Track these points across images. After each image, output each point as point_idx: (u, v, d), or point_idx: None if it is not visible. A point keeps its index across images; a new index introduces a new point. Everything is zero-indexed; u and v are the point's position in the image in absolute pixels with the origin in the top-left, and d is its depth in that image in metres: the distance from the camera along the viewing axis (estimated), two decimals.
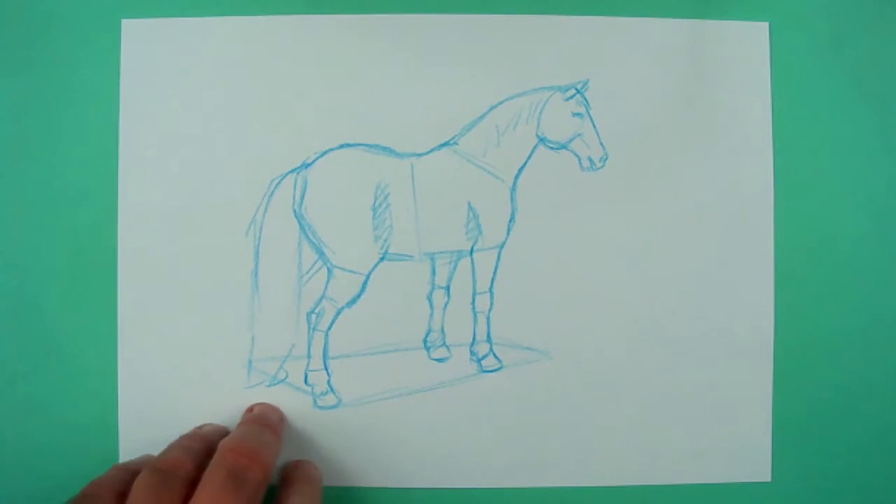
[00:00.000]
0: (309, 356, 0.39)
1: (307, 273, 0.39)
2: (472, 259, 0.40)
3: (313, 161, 0.39)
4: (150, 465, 0.34)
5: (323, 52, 0.39)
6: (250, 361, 0.39)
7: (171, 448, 0.35)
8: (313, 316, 0.39)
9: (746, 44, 0.40)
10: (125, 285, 0.39)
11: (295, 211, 0.39)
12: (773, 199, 0.40)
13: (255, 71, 0.39)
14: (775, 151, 0.40)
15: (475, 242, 0.40)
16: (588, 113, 0.40)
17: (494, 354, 0.40)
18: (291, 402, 0.39)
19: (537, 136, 0.40)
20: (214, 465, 0.33)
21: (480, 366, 0.40)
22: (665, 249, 0.40)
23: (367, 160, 0.39)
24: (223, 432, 0.38)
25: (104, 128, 0.39)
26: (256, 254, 0.39)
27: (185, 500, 0.32)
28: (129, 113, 0.39)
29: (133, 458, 0.39)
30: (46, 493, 0.39)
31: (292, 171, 0.39)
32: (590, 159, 0.40)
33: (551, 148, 0.40)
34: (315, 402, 0.40)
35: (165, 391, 0.39)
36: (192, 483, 0.33)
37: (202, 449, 0.35)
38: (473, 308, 0.40)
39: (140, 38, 0.39)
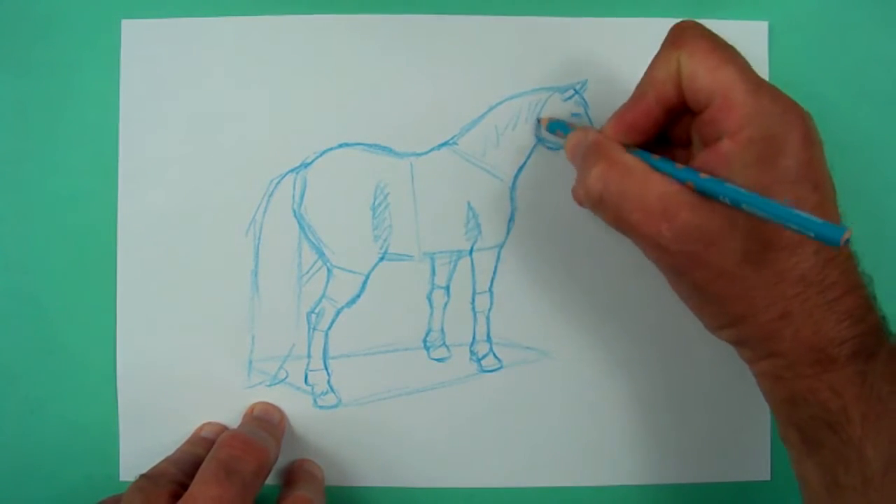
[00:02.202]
0: (309, 356, 0.39)
1: (307, 273, 0.39)
2: (471, 259, 0.40)
3: (313, 161, 0.39)
4: (140, 475, 0.34)
5: (323, 52, 0.39)
6: (250, 361, 0.39)
7: (160, 462, 0.36)
8: (313, 316, 0.39)
9: (745, 43, 0.39)
10: (125, 285, 0.39)
11: (295, 211, 0.39)
12: None
13: (255, 71, 0.39)
14: None
15: (475, 242, 0.40)
16: (587, 113, 0.40)
17: (494, 354, 0.40)
18: (291, 402, 0.39)
19: (536, 136, 0.40)
20: (208, 458, 0.34)
21: (480, 366, 0.40)
22: None
23: (367, 160, 0.39)
24: (223, 432, 0.38)
25: (104, 128, 0.39)
26: (256, 254, 0.39)
27: (176, 498, 0.32)
28: (129, 113, 0.39)
29: (133, 458, 0.39)
30: (47, 493, 0.39)
31: (292, 171, 0.39)
32: None
33: (550, 148, 0.40)
34: (315, 401, 0.40)
35: (165, 391, 0.39)
36: (183, 485, 0.33)
37: (195, 459, 0.36)
38: (473, 308, 0.40)
39: (140, 38, 0.39)
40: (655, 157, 0.31)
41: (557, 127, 0.37)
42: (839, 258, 0.30)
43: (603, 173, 0.30)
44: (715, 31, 0.39)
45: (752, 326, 0.31)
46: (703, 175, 0.29)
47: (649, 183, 0.29)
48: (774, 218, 0.26)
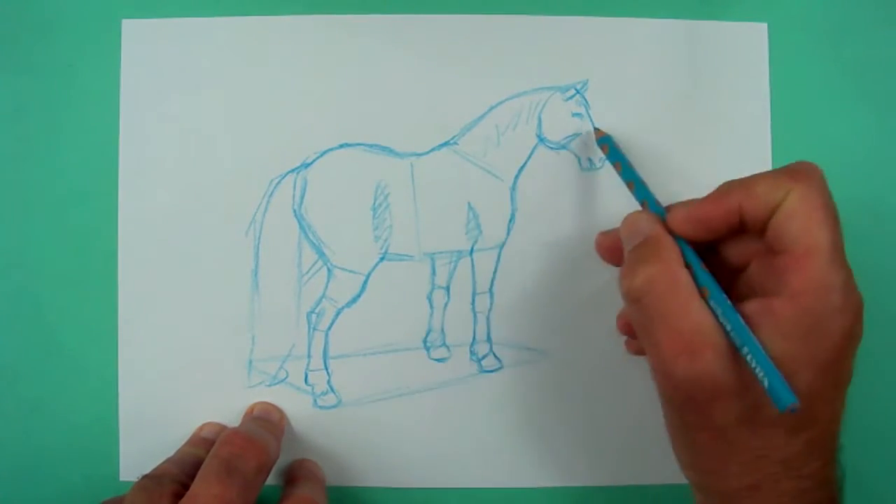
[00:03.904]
0: (309, 356, 0.39)
1: (307, 273, 0.39)
2: (472, 259, 0.40)
3: (313, 161, 0.39)
4: (142, 475, 0.35)
5: (323, 52, 0.39)
6: (250, 361, 0.39)
7: (161, 462, 0.36)
8: (313, 316, 0.39)
9: (745, 44, 0.40)
10: (125, 285, 0.39)
11: (295, 211, 0.39)
12: None
13: (255, 71, 0.39)
14: (774, 152, 0.40)
15: (475, 242, 0.40)
16: (588, 113, 0.40)
17: (494, 354, 0.40)
18: (291, 402, 0.39)
19: (537, 136, 0.40)
20: (210, 456, 0.34)
21: (480, 366, 0.40)
22: None
23: (367, 160, 0.39)
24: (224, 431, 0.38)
25: (104, 128, 0.39)
26: (256, 254, 0.39)
27: (178, 497, 0.32)
28: (129, 113, 0.39)
29: (133, 458, 0.39)
30: (47, 493, 0.39)
31: (292, 171, 0.39)
32: (589, 159, 0.40)
33: (551, 148, 0.40)
34: (315, 401, 0.40)
35: (165, 391, 0.39)
36: (185, 485, 0.33)
37: (195, 460, 0.36)
38: (473, 308, 0.40)
39: (140, 38, 0.39)
40: (704, 268, 0.30)
41: (609, 144, 0.38)
42: (825, 450, 0.29)
43: (652, 279, 0.29)
44: (715, 32, 0.40)
45: (719, 484, 0.30)
46: (741, 319, 0.28)
47: (690, 309, 0.29)
48: (754, 358, 0.27)
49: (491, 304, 0.40)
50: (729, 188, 0.30)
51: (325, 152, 0.39)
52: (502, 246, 0.40)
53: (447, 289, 0.40)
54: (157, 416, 0.39)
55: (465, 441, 0.40)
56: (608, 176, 0.39)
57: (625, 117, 0.40)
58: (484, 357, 0.40)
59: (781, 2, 0.40)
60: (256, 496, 0.34)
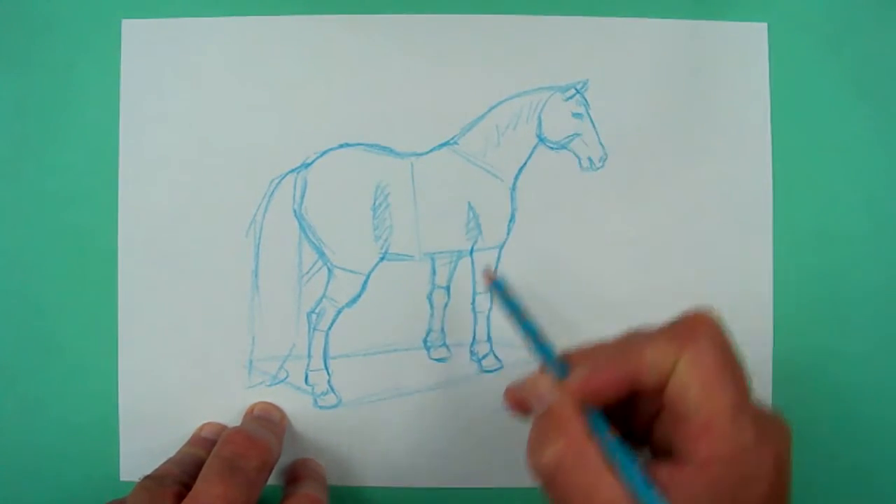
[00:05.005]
0: (309, 356, 0.39)
1: (307, 273, 0.39)
2: (472, 259, 0.40)
3: (313, 161, 0.39)
4: (144, 475, 0.34)
5: (323, 52, 0.39)
6: (251, 361, 0.39)
7: (162, 463, 0.36)
8: (314, 316, 0.39)
9: (745, 44, 0.40)
10: (125, 285, 0.39)
11: (295, 211, 0.39)
12: (772, 199, 0.40)
13: (255, 71, 0.39)
14: (774, 151, 0.40)
15: (475, 242, 0.40)
16: (588, 113, 0.40)
17: (494, 354, 0.40)
18: (292, 402, 0.39)
19: (537, 136, 0.40)
20: (212, 456, 0.34)
21: (480, 366, 0.40)
22: (664, 249, 0.40)
23: (367, 160, 0.39)
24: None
25: (104, 128, 0.39)
26: (256, 254, 0.39)
27: (180, 497, 0.32)
28: (130, 113, 0.39)
29: (133, 459, 0.39)
30: (47, 494, 0.39)
31: (292, 171, 0.39)
32: (589, 159, 0.40)
33: (551, 148, 0.40)
34: (315, 401, 0.40)
35: (165, 391, 0.39)
36: (187, 485, 0.33)
37: (196, 460, 0.36)
38: (473, 308, 0.40)
39: (140, 38, 0.39)
40: (612, 437, 0.28)
41: (500, 290, 0.34)
42: None
43: (560, 456, 0.28)
44: (715, 32, 0.40)
45: None
46: (655, 491, 0.26)
47: (600, 484, 0.27)
48: None
49: (491, 304, 0.40)
50: (623, 354, 0.29)
51: (325, 152, 0.39)
52: (502, 246, 0.40)
53: (447, 289, 0.40)
54: (157, 416, 0.39)
55: (465, 441, 0.40)
56: (608, 176, 0.40)
57: (625, 117, 0.40)
58: (484, 357, 0.40)
59: (781, 2, 0.40)
60: (259, 495, 0.34)
